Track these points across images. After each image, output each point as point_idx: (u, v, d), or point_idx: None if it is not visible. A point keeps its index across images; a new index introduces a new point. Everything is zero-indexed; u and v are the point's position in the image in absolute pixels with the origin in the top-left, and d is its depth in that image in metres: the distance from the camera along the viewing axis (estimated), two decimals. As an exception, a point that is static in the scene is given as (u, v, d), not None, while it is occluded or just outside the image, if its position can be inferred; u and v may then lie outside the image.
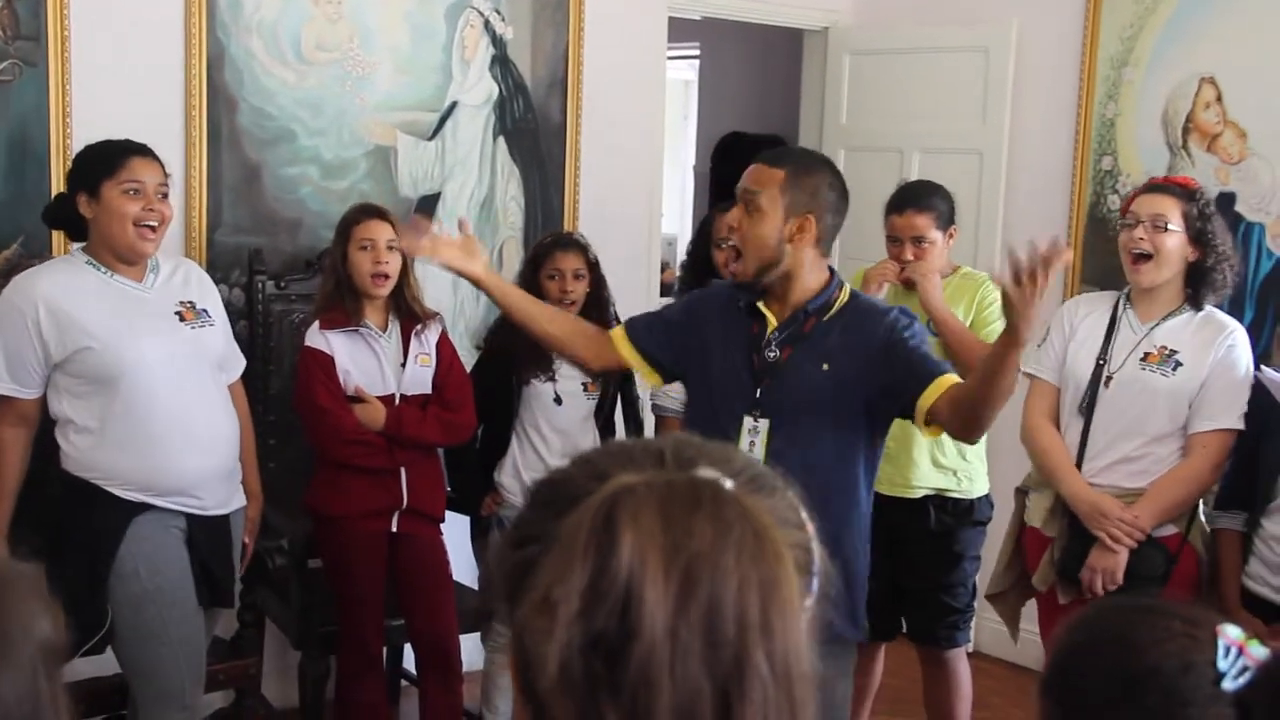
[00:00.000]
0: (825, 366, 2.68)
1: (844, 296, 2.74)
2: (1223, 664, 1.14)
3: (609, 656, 0.80)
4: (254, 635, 3.61)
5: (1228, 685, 1.14)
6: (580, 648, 0.80)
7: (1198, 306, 3.12)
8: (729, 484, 0.85)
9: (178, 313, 3.04)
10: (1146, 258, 3.10)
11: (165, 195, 2.99)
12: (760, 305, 2.74)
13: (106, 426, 2.93)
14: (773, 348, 2.73)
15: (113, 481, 2.94)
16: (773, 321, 2.73)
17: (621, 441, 0.94)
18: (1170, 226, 3.07)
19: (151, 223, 2.95)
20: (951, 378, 2.63)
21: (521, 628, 0.85)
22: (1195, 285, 3.11)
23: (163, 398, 2.94)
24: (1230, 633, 1.16)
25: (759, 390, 2.71)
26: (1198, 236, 3.08)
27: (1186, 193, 3.11)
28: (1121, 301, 3.24)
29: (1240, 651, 1.15)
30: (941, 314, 3.41)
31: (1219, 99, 4.19)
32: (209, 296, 3.16)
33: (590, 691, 0.81)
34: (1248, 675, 1.14)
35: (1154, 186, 3.22)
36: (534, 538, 0.87)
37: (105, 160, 2.94)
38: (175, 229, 3.68)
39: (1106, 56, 4.45)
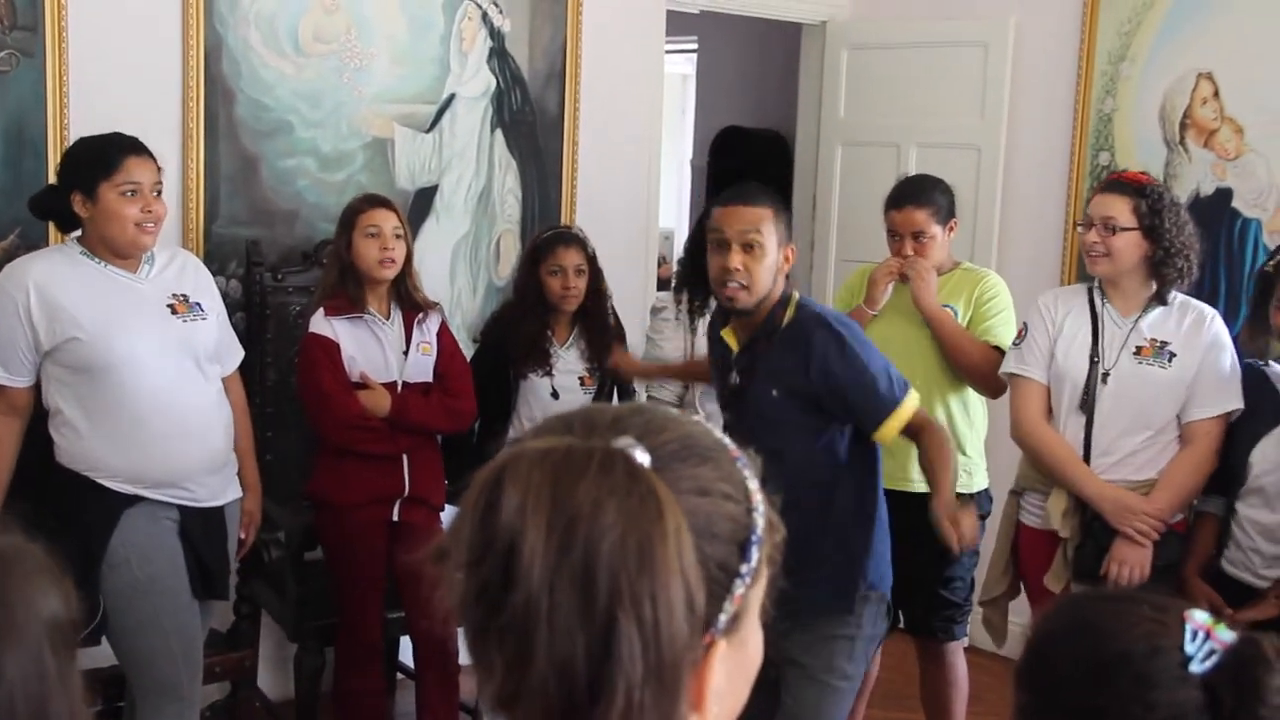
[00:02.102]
0: (774, 392, 2.82)
1: (790, 313, 2.85)
2: (1190, 647, 1.17)
3: (492, 605, 0.85)
4: (250, 627, 3.61)
5: (1195, 668, 1.17)
6: (469, 596, 0.87)
7: (1163, 300, 3.16)
8: (642, 454, 0.88)
9: (170, 305, 3.03)
10: (1103, 255, 3.15)
11: (160, 192, 2.98)
12: (723, 333, 2.92)
13: (95, 418, 2.92)
14: (734, 374, 2.90)
15: (103, 473, 2.94)
16: (734, 347, 2.90)
17: (581, 409, 0.98)
18: (1120, 227, 3.10)
19: (149, 223, 2.94)
20: (907, 409, 2.80)
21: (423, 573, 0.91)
22: (1154, 277, 3.15)
23: (151, 390, 2.93)
24: (1198, 617, 1.19)
25: (725, 416, 2.93)
26: (1149, 231, 3.11)
27: (1136, 189, 3.13)
28: (1097, 297, 3.25)
29: (1208, 635, 1.18)
30: (933, 311, 3.42)
31: (1216, 95, 4.19)
32: (204, 288, 3.15)
33: (479, 635, 0.87)
34: (1215, 658, 1.17)
35: (1106, 184, 3.24)
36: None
37: (101, 160, 2.91)
38: (172, 220, 3.66)
39: (1104, 52, 4.45)
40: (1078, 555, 3.18)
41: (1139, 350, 3.15)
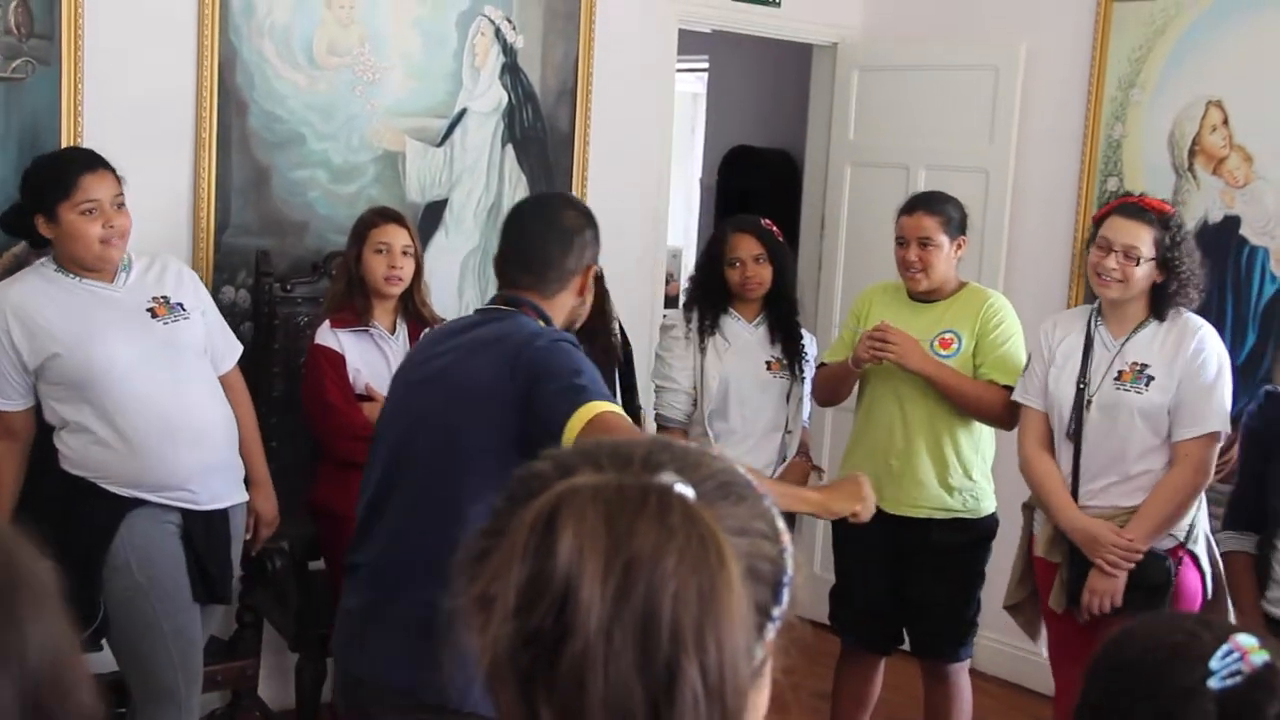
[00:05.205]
0: None
1: None
2: (1216, 663, 1.16)
3: (543, 653, 0.80)
4: (252, 636, 3.61)
5: (1213, 684, 1.15)
6: (516, 643, 0.81)
7: (1160, 318, 3.16)
8: (688, 490, 0.85)
9: (149, 309, 3.05)
10: (1118, 281, 3.13)
11: (122, 204, 2.99)
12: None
13: (91, 428, 2.95)
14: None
15: (105, 478, 2.96)
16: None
17: (599, 441, 0.94)
18: (1143, 259, 3.10)
19: (114, 237, 2.96)
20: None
21: (460, 618, 0.86)
22: (1159, 302, 3.15)
23: (141, 397, 2.95)
24: (1242, 640, 1.18)
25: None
26: (1164, 263, 3.12)
27: (1162, 220, 3.13)
28: (1093, 319, 3.25)
29: (1241, 656, 1.16)
30: (926, 370, 3.40)
31: (1226, 122, 4.20)
32: (187, 289, 3.16)
33: (525, 686, 0.82)
34: (1238, 679, 1.16)
35: (1129, 209, 3.18)
36: (496, 530, 0.88)
37: (59, 183, 2.94)
38: (182, 230, 3.70)
39: (1114, 78, 4.46)
40: (1069, 581, 3.22)
41: (1120, 375, 3.16)
